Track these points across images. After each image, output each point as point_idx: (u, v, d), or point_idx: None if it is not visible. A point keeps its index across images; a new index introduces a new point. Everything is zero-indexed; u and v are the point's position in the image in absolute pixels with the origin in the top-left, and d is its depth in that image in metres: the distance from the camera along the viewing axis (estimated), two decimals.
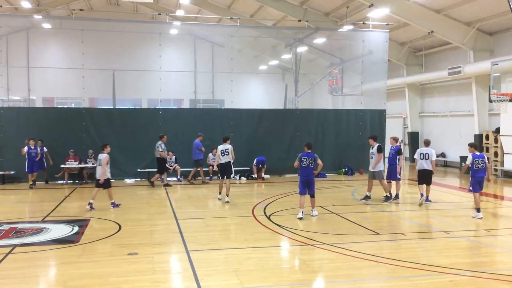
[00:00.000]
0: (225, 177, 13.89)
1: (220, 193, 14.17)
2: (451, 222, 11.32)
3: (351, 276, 7.26)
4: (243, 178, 19.19)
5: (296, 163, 11.65)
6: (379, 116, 21.31)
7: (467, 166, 11.73)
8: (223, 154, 13.85)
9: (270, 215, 11.67)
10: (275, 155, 19.75)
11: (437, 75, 23.55)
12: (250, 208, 12.67)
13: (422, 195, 13.18)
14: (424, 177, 13.24)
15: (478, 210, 11.66)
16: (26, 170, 16.66)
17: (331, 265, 7.80)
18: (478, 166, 11.55)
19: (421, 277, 7.17)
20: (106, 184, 12.57)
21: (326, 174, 19.80)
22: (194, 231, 10.23)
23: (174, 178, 18.49)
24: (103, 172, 12.36)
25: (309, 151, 11.67)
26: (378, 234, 9.86)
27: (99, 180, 12.44)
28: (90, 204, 12.41)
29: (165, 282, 7.04)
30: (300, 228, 10.25)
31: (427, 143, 13.50)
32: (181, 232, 9.92)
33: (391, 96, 26.40)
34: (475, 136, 21.55)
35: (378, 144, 13.63)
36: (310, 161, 11.47)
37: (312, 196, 11.64)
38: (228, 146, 13.89)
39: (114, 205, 12.83)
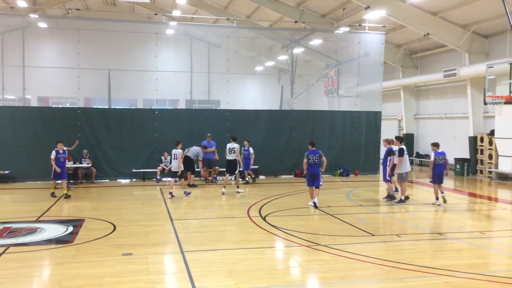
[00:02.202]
0: (233, 173, 15.61)
1: (224, 187, 15.45)
2: (445, 223, 11.37)
3: (346, 278, 7.27)
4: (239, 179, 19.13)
5: (305, 161, 12.91)
6: (375, 118, 21.39)
7: (432, 162, 13.51)
8: (230, 152, 15.48)
9: (265, 216, 11.67)
10: (270, 156, 19.76)
11: (432, 78, 23.65)
12: (245, 209, 12.66)
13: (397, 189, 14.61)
14: None
15: (437, 198, 13.47)
16: (53, 178, 14.57)
17: (326, 266, 7.81)
18: (439, 162, 13.44)
19: (415, 278, 7.20)
20: (182, 175, 14.70)
21: (321, 175, 19.78)
22: (189, 232, 10.22)
23: (170, 179, 18.42)
24: (179, 165, 14.49)
25: (314, 148, 13.06)
26: (373, 235, 9.88)
27: (177, 172, 14.55)
28: (170, 193, 14.40)
29: (159, 283, 7.02)
30: (295, 229, 10.24)
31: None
32: (176, 233, 9.90)
33: (387, 98, 26.48)
34: (470, 138, 21.64)
35: (400, 146, 13.77)
36: (316, 158, 12.88)
37: (317, 187, 13.00)
38: (235, 145, 15.45)
39: (186, 193, 14.73)
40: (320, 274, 7.52)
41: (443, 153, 13.54)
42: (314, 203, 12.90)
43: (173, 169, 14.77)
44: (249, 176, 18.26)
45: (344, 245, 8.88)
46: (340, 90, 27.40)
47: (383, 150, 21.34)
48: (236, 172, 15.71)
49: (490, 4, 18.16)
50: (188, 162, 17.26)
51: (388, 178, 13.89)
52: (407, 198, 13.93)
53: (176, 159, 14.57)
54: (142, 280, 6.99)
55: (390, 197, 13.93)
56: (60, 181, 14.62)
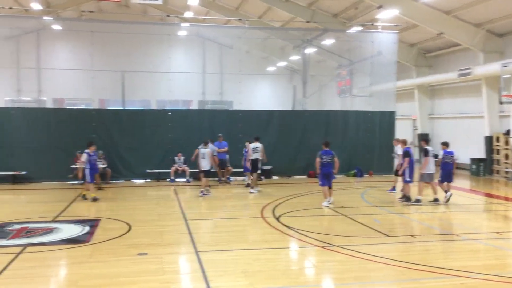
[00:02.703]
0: (255, 172, 15.91)
1: (253, 187, 15.84)
2: (462, 224, 11.25)
3: (360, 278, 7.24)
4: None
5: (317, 160, 13.04)
6: (389, 118, 21.21)
7: (440, 160, 13.83)
8: (254, 152, 15.90)
9: (279, 217, 11.66)
10: (283, 156, 19.72)
11: (446, 77, 23.43)
12: (259, 209, 12.66)
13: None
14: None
15: (446, 191, 13.62)
16: (89, 180, 14.01)
17: (340, 267, 7.78)
18: (447, 161, 13.69)
19: (431, 279, 7.14)
20: (207, 174, 15.15)
21: (335, 176, 19.71)
22: (203, 232, 10.27)
23: (183, 179, 18.54)
24: (210, 162, 15.17)
25: (327, 149, 13.19)
26: (388, 236, 9.82)
27: (207, 170, 15.12)
28: (201, 191, 14.98)
29: (174, 283, 7.06)
30: (309, 229, 10.21)
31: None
32: (190, 233, 9.94)
33: (401, 98, 26.28)
34: (486, 138, 21.40)
35: (425, 147, 13.83)
36: (330, 158, 13.02)
37: (330, 187, 13.23)
38: (258, 145, 16.00)
39: (203, 193, 14.94)
40: (334, 275, 7.50)
41: (451, 153, 13.77)
42: (330, 203, 13.06)
43: (202, 168, 15.13)
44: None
45: (359, 246, 8.84)
46: (353, 90, 27.30)
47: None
48: (258, 171, 16.03)
49: (504, 2, 17.99)
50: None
51: (408, 179, 13.69)
52: (436, 200, 13.66)
53: (204, 158, 15.07)
54: (157, 280, 7.04)
55: (406, 198, 13.78)
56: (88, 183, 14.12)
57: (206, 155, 15.11)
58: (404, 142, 14.25)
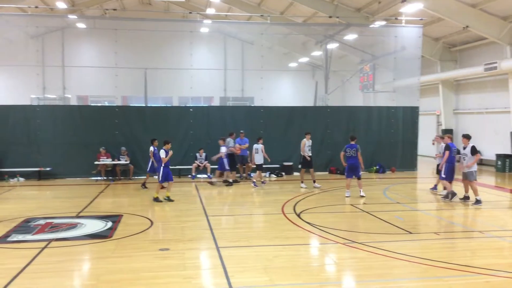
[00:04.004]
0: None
1: (301, 182, 16.17)
2: (486, 221, 11.02)
3: (382, 276, 7.15)
4: (272, 175, 19.16)
5: (342, 154, 13.83)
6: (412, 113, 20.91)
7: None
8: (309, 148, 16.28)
9: (300, 213, 11.62)
10: None
11: (472, 71, 22.95)
12: (280, 205, 12.63)
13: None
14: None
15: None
16: (163, 179, 13.32)
17: (361, 264, 7.70)
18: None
19: (455, 277, 7.00)
20: (260, 168, 16.49)
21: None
22: (224, 228, 10.30)
23: (204, 175, 18.63)
24: (263, 157, 16.41)
25: (353, 142, 13.77)
26: (411, 233, 9.68)
27: (260, 164, 16.43)
28: (254, 182, 16.23)
29: (196, 278, 7.09)
30: (331, 226, 10.15)
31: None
32: (211, 229, 9.99)
33: (425, 93, 25.89)
34: None
35: (472, 144, 12.77)
36: (353, 152, 13.63)
37: (359, 178, 13.77)
38: (304, 141, 16.07)
39: (255, 185, 16.08)
40: (356, 272, 7.43)
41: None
42: (361, 195, 13.61)
43: (256, 162, 16.46)
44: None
45: (381, 243, 8.74)
46: (376, 85, 26.98)
47: (421, 146, 20.99)
48: (299, 166, 16.57)
49: None
50: (231, 159, 17.05)
51: (443, 176, 13.25)
52: (467, 197, 13.18)
53: (258, 153, 16.41)
54: (178, 275, 7.09)
55: (451, 195, 13.24)
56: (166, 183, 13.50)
57: (259, 150, 16.43)
58: (450, 137, 13.77)
